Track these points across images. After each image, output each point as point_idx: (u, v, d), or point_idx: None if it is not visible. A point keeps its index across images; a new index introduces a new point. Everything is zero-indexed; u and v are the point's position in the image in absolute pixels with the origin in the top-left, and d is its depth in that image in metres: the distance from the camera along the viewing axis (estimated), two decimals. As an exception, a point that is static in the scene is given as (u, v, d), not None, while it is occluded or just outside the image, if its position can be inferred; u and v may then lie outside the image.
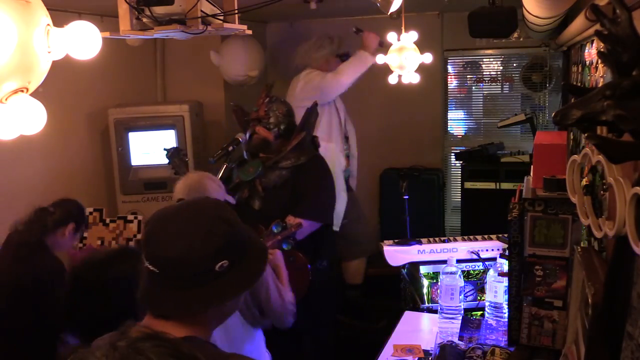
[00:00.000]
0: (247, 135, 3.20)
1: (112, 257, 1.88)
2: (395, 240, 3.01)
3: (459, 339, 2.38)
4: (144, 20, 2.03)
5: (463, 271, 2.70)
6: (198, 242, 1.21)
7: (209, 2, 2.08)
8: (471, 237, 2.96)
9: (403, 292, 3.09)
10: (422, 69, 2.94)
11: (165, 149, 3.33)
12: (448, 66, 5.09)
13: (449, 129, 5.18)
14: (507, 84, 5.06)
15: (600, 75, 1.90)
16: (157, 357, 0.77)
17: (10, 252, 2.55)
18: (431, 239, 3.04)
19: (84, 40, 1.00)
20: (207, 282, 1.21)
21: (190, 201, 1.60)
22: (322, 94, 3.97)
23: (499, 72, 5.08)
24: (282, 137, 3.22)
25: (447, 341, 2.31)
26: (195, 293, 1.21)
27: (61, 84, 3.30)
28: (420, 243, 2.97)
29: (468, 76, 5.14)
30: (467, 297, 2.72)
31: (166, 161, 3.35)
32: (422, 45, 2.91)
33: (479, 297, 2.75)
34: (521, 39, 4.44)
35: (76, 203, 2.85)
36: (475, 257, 2.78)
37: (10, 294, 2.43)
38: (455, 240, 2.94)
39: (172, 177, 3.29)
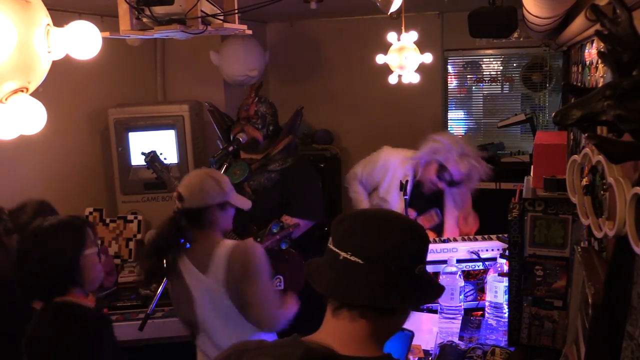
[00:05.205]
0: (235, 134, 3.23)
1: (53, 229, 1.96)
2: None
3: (459, 339, 2.38)
4: (144, 20, 2.03)
5: (463, 271, 2.70)
6: (408, 238, 1.27)
7: (209, 2, 2.08)
8: (471, 237, 2.96)
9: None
10: (422, 69, 2.94)
11: (143, 153, 3.18)
12: (448, 66, 5.09)
13: (449, 129, 5.18)
14: (507, 84, 5.06)
15: (600, 75, 1.90)
16: None
17: None
18: (431, 239, 3.04)
19: (84, 40, 1.00)
20: (406, 281, 1.24)
21: (380, 209, 1.68)
22: None
23: (499, 72, 5.08)
24: (269, 137, 3.29)
25: (447, 341, 2.31)
26: (397, 289, 1.24)
27: (61, 84, 3.30)
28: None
29: (468, 76, 5.15)
30: (467, 297, 2.72)
31: (167, 162, 3.32)
32: (422, 45, 2.92)
33: (479, 297, 2.75)
34: (521, 39, 4.44)
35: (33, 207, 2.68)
36: (475, 257, 2.78)
37: None
38: (455, 240, 2.94)
39: (174, 176, 3.29)
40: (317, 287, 1.31)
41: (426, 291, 1.28)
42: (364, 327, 1.24)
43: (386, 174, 3.43)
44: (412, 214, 3.37)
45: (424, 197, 3.31)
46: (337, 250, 1.26)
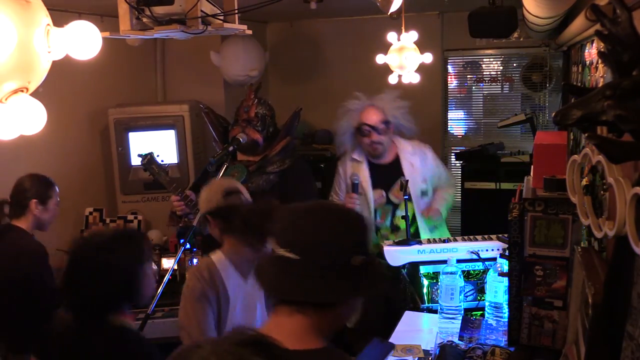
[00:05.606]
0: (234, 136, 3.23)
1: (115, 240, 1.84)
2: (395, 240, 3.02)
3: (459, 339, 2.38)
4: (144, 20, 2.03)
5: (463, 271, 2.70)
6: (342, 230, 1.27)
7: (209, 2, 2.08)
8: (471, 237, 2.96)
9: (403, 292, 3.09)
10: (422, 69, 2.94)
11: (139, 155, 3.14)
12: (448, 66, 5.09)
13: (449, 129, 5.18)
14: (507, 84, 5.06)
15: (600, 75, 1.90)
16: None
17: None
18: (431, 239, 3.04)
19: (84, 40, 1.00)
20: (342, 274, 1.24)
21: (317, 202, 1.66)
22: None
23: (499, 72, 5.08)
24: (267, 139, 3.31)
25: (447, 341, 2.31)
26: (332, 282, 1.23)
27: (61, 84, 3.30)
28: (420, 243, 2.97)
29: (468, 76, 5.14)
30: (467, 297, 2.72)
31: (167, 161, 3.31)
32: (422, 45, 2.92)
33: (479, 297, 2.75)
34: (521, 39, 4.43)
35: (32, 179, 2.85)
36: (475, 257, 2.78)
37: None
38: (455, 240, 2.94)
39: (172, 177, 3.28)
40: (260, 285, 1.32)
41: (365, 282, 1.27)
42: (302, 321, 1.24)
43: (346, 174, 3.54)
44: (382, 193, 3.41)
45: (385, 169, 3.44)
46: (274, 247, 1.27)
